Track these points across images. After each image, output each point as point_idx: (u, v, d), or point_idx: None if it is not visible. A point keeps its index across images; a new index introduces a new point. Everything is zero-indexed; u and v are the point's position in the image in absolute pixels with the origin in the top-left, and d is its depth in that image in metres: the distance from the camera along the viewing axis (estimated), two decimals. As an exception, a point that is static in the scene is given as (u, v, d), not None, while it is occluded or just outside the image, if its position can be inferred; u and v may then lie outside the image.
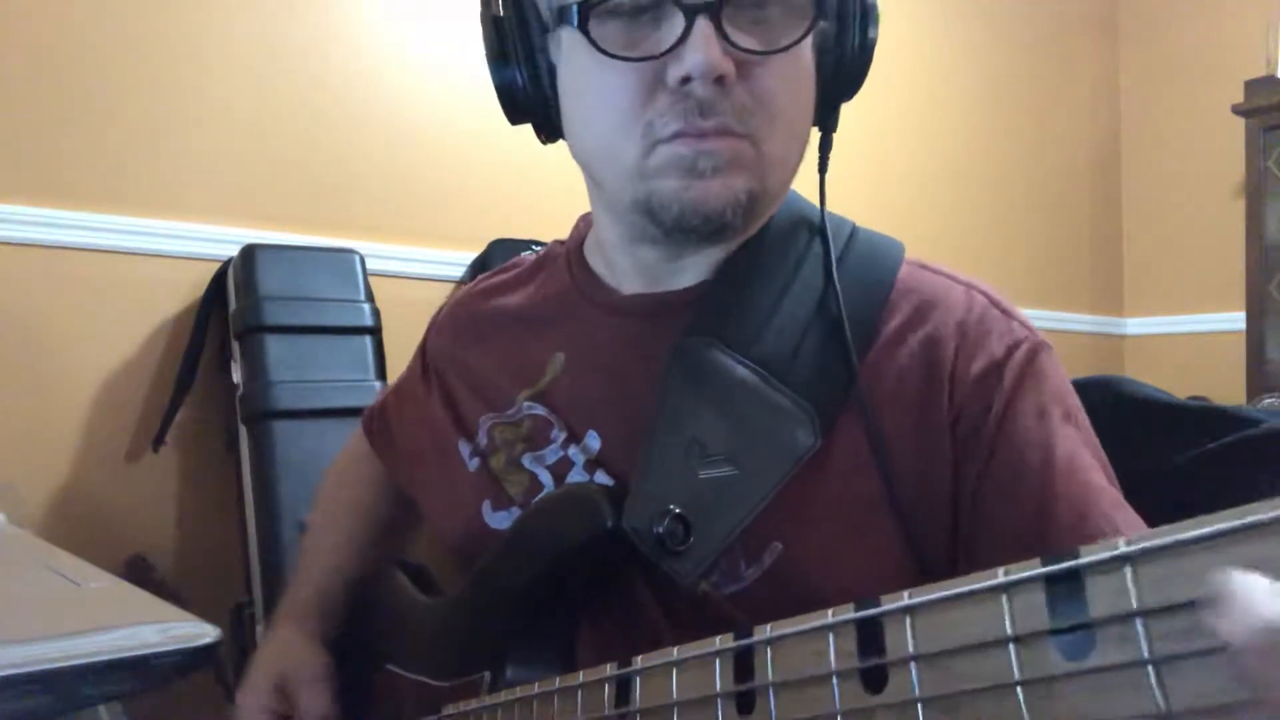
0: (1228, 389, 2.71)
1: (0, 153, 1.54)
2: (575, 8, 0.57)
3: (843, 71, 0.63)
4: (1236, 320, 2.74)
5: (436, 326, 0.82)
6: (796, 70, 0.60)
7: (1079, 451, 0.58)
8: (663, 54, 0.56)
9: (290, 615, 0.80)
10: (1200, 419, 0.78)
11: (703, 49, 0.54)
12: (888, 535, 0.58)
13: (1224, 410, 0.79)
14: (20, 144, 1.56)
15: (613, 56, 0.57)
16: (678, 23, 0.55)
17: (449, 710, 0.63)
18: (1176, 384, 0.99)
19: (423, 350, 0.82)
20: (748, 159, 0.58)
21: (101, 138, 1.62)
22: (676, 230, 0.60)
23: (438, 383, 0.77)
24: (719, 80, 0.55)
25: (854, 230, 0.68)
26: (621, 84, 0.58)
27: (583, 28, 0.57)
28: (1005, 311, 0.63)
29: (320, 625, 0.80)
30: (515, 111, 0.66)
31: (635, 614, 0.60)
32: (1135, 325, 3.31)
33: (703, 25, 0.55)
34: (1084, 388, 0.77)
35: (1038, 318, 2.93)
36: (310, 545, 0.86)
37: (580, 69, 0.60)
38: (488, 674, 0.61)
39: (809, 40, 0.60)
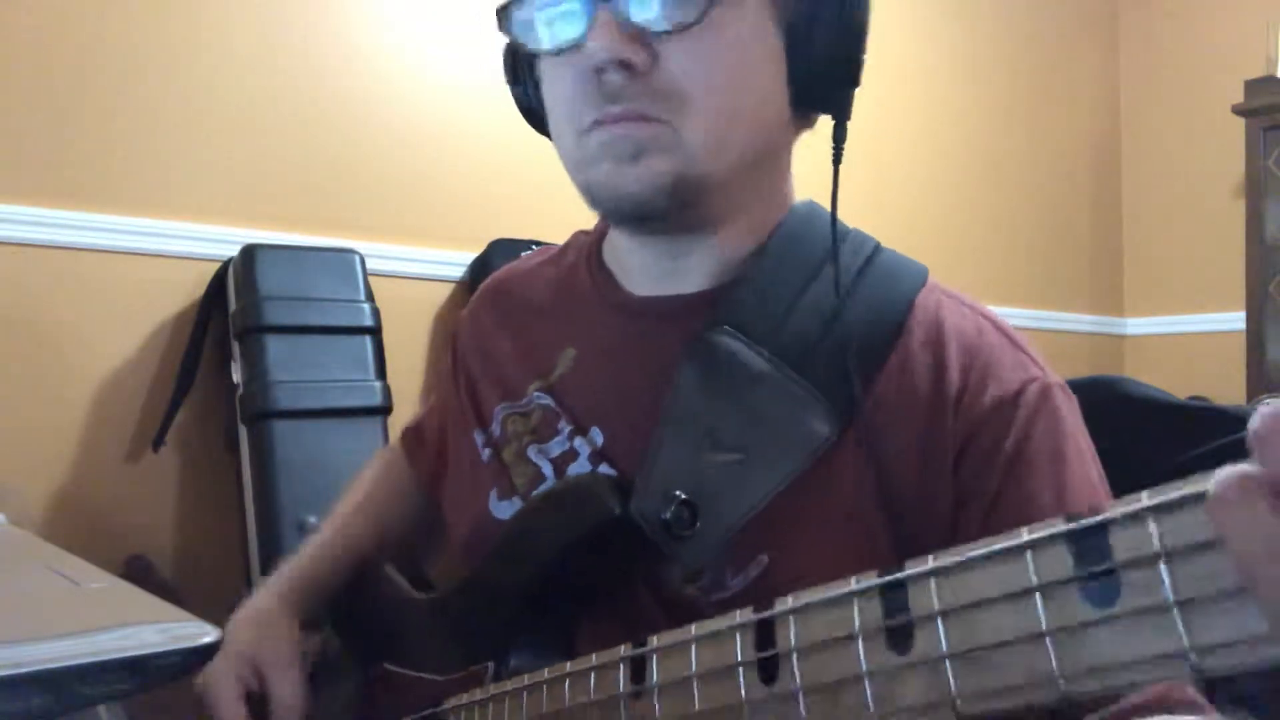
0: (1228, 389, 2.71)
1: (0, 153, 1.54)
2: (497, 11, 0.61)
3: (821, 50, 0.60)
4: (1236, 320, 2.74)
5: (464, 315, 0.82)
6: (720, 48, 0.58)
7: (1093, 496, 0.58)
8: (574, 45, 0.58)
9: (274, 588, 0.79)
10: (1200, 419, 0.79)
11: (599, 36, 0.56)
12: (881, 557, 0.58)
13: (1224, 410, 0.79)
14: (20, 144, 1.56)
15: (529, 51, 0.61)
16: (586, 13, 0.57)
17: (452, 702, 0.63)
18: (1176, 384, 0.99)
19: (453, 342, 0.82)
20: (667, 143, 0.58)
21: (101, 138, 1.62)
22: (614, 217, 0.62)
23: (463, 372, 0.78)
24: (629, 66, 0.56)
25: (877, 248, 0.68)
26: (560, 80, 0.61)
27: (504, 29, 0.61)
28: (1016, 345, 0.63)
29: (303, 604, 0.78)
30: (535, 126, 0.69)
31: (634, 612, 0.61)
32: (1135, 325, 3.31)
33: (603, 13, 0.56)
34: (1084, 388, 0.77)
35: (1037, 318, 2.95)
36: (324, 527, 0.86)
37: (542, 75, 0.64)
38: (491, 665, 0.61)
39: (750, 17, 0.59)
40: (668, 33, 0.57)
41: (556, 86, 0.62)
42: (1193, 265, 3.15)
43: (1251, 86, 2.67)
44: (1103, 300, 3.28)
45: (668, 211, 0.60)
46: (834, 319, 0.61)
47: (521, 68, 0.66)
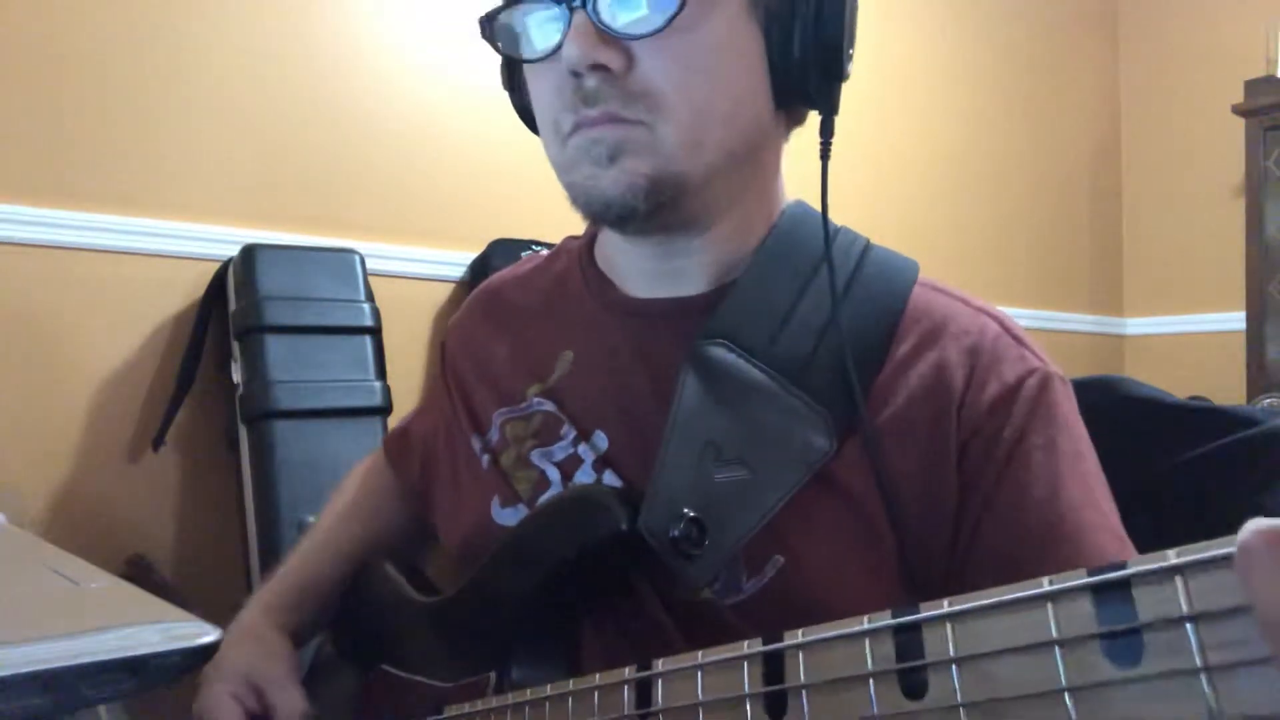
0: (1228, 389, 2.70)
1: (0, 153, 1.54)
2: (479, 21, 0.61)
3: (801, 43, 0.59)
4: (1236, 320, 2.74)
5: (454, 322, 0.83)
6: (692, 47, 0.58)
7: (1086, 488, 0.58)
8: (553, 52, 0.59)
9: (262, 602, 0.79)
10: (1200, 419, 0.78)
11: (573, 41, 0.56)
12: (888, 557, 0.58)
13: (1224, 410, 0.78)
14: (20, 144, 1.56)
15: (509, 58, 0.61)
16: (562, 19, 0.58)
17: (452, 711, 0.63)
18: (1176, 384, 0.99)
19: (442, 349, 0.82)
20: (642, 144, 0.58)
21: (101, 138, 1.62)
22: (595, 219, 0.63)
23: (454, 378, 0.77)
24: (604, 69, 0.57)
25: (867, 246, 0.67)
26: (541, 87, 0.62)
27: (487, 37, 0.61)
28: (1017, 339, 0.63)
29: (292, 618, 0.78)
30: (533, 131, 0.69)
31: (641, 618, 0.60)
32: (1135, 325, 3.31)
33: (578, 18, 0.57)
34: (1084, 388, 0.77)
35: (1037, 318, 2.95)
36: (309, 536, 0.85)
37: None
38: (493, 675, 0.61)
39: (726, 16, 0.58)
40: (641, 35, 0.57)
41: (539, 93, 0.62)
42: (1193, 265, 3.15)
43: (1251, 86, 2.67)
44: (1103, 300, 3.28)
45: (647, 213, 0.60)
46: (830, 326, 0.61)
47: (515, 75, 0.67)
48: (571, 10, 0.57)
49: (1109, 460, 0.61)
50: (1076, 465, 0.58)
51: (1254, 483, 0.73)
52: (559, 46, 0.58)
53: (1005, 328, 0.63)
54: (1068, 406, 0.61)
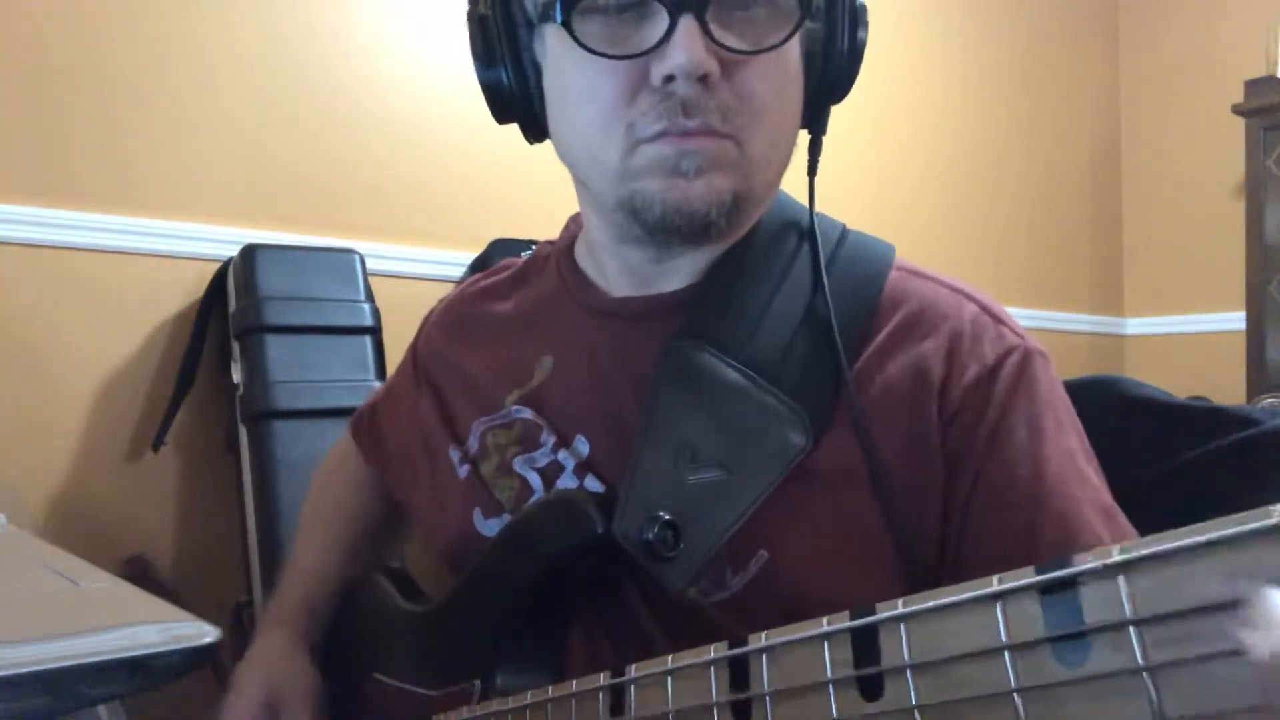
0: (1228, 389, 2.70)
1: (0, 153, 1.54)
2: (559, 3, 0.56)
3: (831, 73, 0.62)
4: (1236, 320, 2.74)
5: (427, 329, 0.82)
6: (782, 70, 0.59)
7: (1070, 462, 0.58)
8: (646, 52, 0.55)
9: (278, 621, 0.79)
10: (1200, 419, 0.78)
11: (686, 47, 0.54)
12: (876, 545, 0.58)
13: (1224, 410, 0.78)
14: (20, 144, 1.56)
15: (595, 54, 0.56)
16: (662, 21, 0.55)
17: (438, 719, 0.63)
18: (1176, 384, 0.99)
19: (413, 352, 0.82)
20: (731, 159, 0.58)
21: (101, 138, 1.62)
22: (660, 231, 0.59)
23: (428, 385, 0.76)
24: (703, 79, 0.55)
25: (844, 233, 0.67)
26: (604, 83, 0.57)
27: (566, 24, 0.57)
28: (996, 317, 0.62)
29: (309, 630, 0.79)
30: (501, 111, 0.66)
31: (627, 620, 0.60)
32: (1135, 325, 3.31)
33: (687, 23, 0.54)
34: (1084, 388, 0.77)
35: (1037, 318, 2.95)
36: (298, 548, 0.85)
37: (564, 67, 0.60)
38: (478, 682, 0.61)
39: (796, 41, 0.59)
40: (752, 51, 0.56)
41: (594, 87, 0.58)
42: (1193, 265, 3.15)
43: (1251, 86, 2.67)
44: (1103, 300, 3.28)
45: (721, 226, 0.59)
46: (807, 321, 0.61)
47: (500, 47, 0.62)
48: (677, 14, 0.54)
49: (1109, 460, 0.61)
50: (1060, 440, 0.58)
51: (1253, 483, 0.73)
52: (656, 46, 0.55)
53: (983, 307, 0.63)
54: (1049, 382, 0.60)
